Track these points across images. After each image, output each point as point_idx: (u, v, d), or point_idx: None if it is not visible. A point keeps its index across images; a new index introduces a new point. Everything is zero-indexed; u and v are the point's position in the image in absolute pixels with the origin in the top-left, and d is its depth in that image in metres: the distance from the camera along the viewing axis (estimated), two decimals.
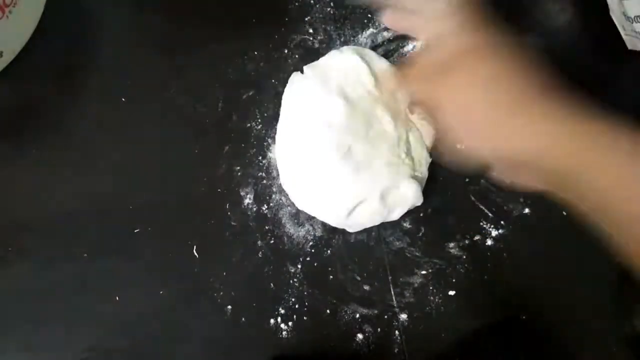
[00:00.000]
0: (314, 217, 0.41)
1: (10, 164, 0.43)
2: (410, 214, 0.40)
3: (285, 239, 0.41)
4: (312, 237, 0.41)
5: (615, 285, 0.40)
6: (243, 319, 0.39)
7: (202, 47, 0.45)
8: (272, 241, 0.41)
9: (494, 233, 0.41)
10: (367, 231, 0.41)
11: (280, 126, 0.41)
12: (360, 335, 0.39)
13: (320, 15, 0.46)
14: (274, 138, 0.43)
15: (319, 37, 0.45)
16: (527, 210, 0.41)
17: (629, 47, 0.44)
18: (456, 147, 0.33)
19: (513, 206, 0.41)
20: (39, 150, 0.43)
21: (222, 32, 0.46)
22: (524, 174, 0.32)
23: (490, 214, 0.41)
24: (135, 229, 0.41)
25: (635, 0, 0.44)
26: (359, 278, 0.40)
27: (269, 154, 0.43)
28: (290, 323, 0.39)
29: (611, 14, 0.44)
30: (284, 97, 0.41)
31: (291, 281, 0.40)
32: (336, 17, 0.46)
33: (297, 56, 0.44)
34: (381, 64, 0.41)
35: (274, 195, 0.42)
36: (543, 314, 0.40)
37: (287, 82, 0.41)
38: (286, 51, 0.44)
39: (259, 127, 0.43)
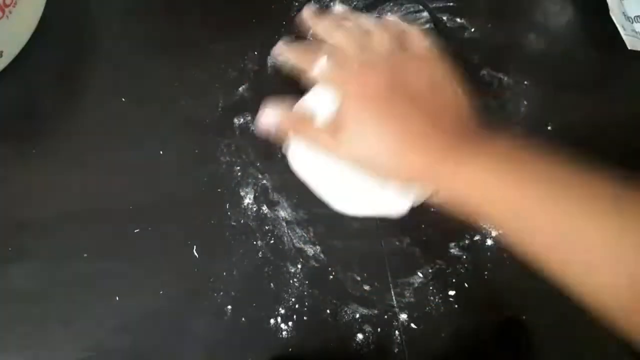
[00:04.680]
0: (313, 217, 0.41)
1: (10, 164, 0.43)
2: (411, 213, 0.40)
3: (285, 239, 0.41)
4: (312, 237, 0.41)
5: None
6: (243, 319, 0.39)
7: (202, 47, 0.45)
8: (272, 241, 0.41)
9: (494, 233, 0.41)
10: (367, 231, 0.41)
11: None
12: (360, 335, 0.39)
13: None
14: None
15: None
16: None
17: (629, 47, 0.44)
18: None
19: None
20: (39, 150, 0.43)
21: (222, 32, 0.46)
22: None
23: None
24: (135, 229, 0.41)
25: (636, 0, 0.44)
26: (359, 278, 0.40)
27: (269, 154, 0.43)
28: (290, 323, 0.39)
29: (611, 14, 0.44)
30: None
31: (291, 281, 0.40)
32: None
33: None
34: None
35: (274, 195, 0.42)
36: (543, 314, 0.40)
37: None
38: None
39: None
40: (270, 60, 0.44)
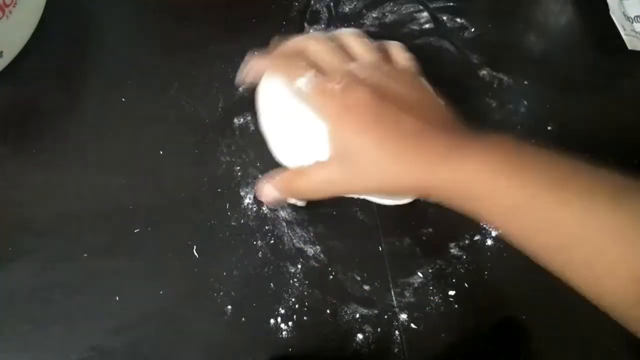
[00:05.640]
0: (313, 217, 0.41)
1: (10, 164, 0.43)
2: (411, 213, 0.40)
3: (285, 239, 0.41)
4: (312, 237, 0.41)
5: None
6: (243, 319, 0.39)
7: (202, 47, 0.45)
8: (272, 241, 0.41)
9: (494, 233, 0.41)
10: (367, 231, 0.41)
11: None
12: (360, 335, 0.39)
13: (320, 16, 0.46)
14: None
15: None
16: None
17: (629, 47, 0.44)
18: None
19: None
20: (39, 150, 0.43)
21: (222, 32, 0.46)
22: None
23: None
24: (135, 229, 0.41)
25: (636, 0, 0.44)
26: (359, 278, 0.40)
27: (269, 154, 0.43)
28: (290, 323, 0.39)
29: (611, 14, 0.44)
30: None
31: (291, 281, 0.40)
32: (335, 17, 0.46)
33: None
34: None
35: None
36: (543, 314, 0.40)
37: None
38: None
39: (259, 127, 0.43)
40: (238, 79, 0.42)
